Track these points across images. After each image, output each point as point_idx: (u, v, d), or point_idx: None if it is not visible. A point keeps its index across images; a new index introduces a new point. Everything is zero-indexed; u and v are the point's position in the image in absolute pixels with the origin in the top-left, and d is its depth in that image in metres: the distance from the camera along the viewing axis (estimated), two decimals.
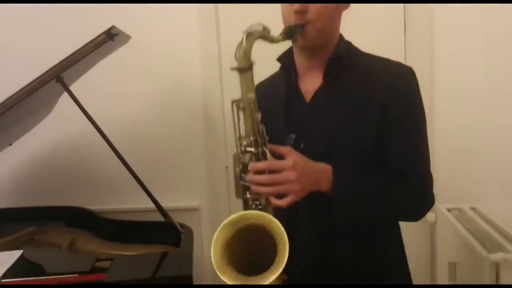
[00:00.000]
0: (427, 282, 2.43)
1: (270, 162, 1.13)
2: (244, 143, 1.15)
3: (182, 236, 1.86)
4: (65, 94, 1.93)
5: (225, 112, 2.45)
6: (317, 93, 1.29)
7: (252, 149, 1.14)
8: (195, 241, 1.88)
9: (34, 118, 2.25)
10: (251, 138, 1.14)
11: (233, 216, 1.08)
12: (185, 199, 2.50)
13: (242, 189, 1.16)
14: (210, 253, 1.05)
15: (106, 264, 1.64)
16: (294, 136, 1.26)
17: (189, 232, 1.93)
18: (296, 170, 1.10)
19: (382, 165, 1.24)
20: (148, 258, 1.74)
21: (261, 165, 1.12)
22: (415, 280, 1.52)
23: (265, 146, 1.15)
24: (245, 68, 1.13)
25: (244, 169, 1.14)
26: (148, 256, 1.77)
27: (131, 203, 2.39)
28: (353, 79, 1.27)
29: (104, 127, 1.91)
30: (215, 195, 2.51)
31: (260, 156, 1.14)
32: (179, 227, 1.90)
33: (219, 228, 1.06)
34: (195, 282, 1.75)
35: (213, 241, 1.06)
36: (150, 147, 2.52)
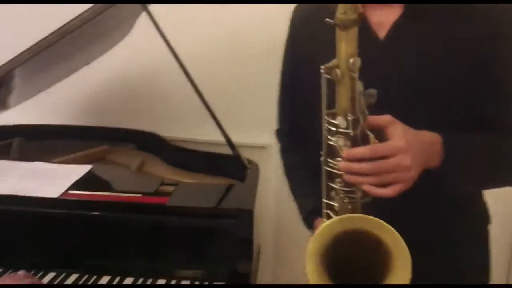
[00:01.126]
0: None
1: (375, 148, 0.86)
2: (336, 122, 0.88)
3: (248, 171, 1.81)
4: (144, 15, 1.89)
5: None
6: (395, 27, 1.02)
7: (350, 131, 0.87)
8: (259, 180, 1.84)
9: (112, 38, 2.23)
10: (349, 117, 0.87)
11: (333, 219, 0.87)
12: (254, 137, 2.44)
13: (325, 174, 0.93)
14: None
15: (170, 188, 1.63)
16: (376, 91, 0.91)
17: (256, 168, 1.87)
18: (410, 152, 0.85)
19: (479, 124, 1.02)
20: (212, 188, 1.70)
21: (363, 151, 0.86)
22: None
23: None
24: (349, 22, 0.82)
25: (331, 152, 0.90)
26: (212, 186, 1.74)
27: (200, 134, 2.37)
28: (444, 11, 1.00)
29: (181, 54, 1.85)
30: None
31: (358, 139, 0.88)
32: (245, 162, 1.85)
33: (316, 234, 0.85)
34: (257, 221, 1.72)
35: (307, 253, 0.85)
36: (224, 80, 2.46)
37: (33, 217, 1.47)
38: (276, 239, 2.57)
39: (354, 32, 0.84)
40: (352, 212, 0.91)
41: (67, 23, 1.66)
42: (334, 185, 0.93)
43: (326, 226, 0.86)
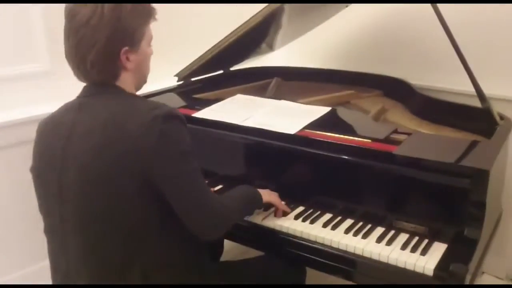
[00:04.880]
0: None
1: None
2: None
3: (498, 127, 1.59)
4: None
5: None
6: None
7: None
8: None
9: None
10: None
11: None
12: None
13: None
14: None
15: (403, 137, 1.56)
16: None
17: (508, 125, 1.63)
18: None
19: None
20: (449, 142, 1.57)
21: None
22: None
23: None
24: None
25: None
26: (449, 139, 1.60)
27: (450, 83, 2.17)
28: None
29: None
30: None
31: None
32: (497, 117, 1.62)
33: None
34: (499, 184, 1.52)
35: None
36: (482, 30, 2.19)
37: (269, 148, 1.62)
38: None
39: None
40: None
41: None
42: None
43: None
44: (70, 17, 1.20)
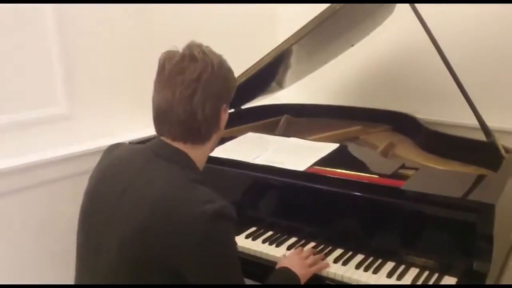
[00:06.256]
0: None
1: None
2: None
3: (504, 161, 1.61)
4: None
5: None
6: None
7: None
8: None
9: (375, 21, 2.26)
10: None
11: None
12: None
13: None
14: None
15: (410, 172, 1.59)
16: None
17: None
18: None
19: None
20: (455, 176, 1.59)
21: None
22: None
23: None
24: None
25: None
26: (456, 174, 1.62)
27: (456, 117, 2.21)
28: None
29: (439, 39, 1.77)
30: None
31: None
32: (502, 151, 1.65)
33: None
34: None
35: None
36: (486, 63, 2.25)
37: (279, 186, 1.66)
38: None
39: None
40: None
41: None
42: None
43: None
44: (176, 71, 1.17)
